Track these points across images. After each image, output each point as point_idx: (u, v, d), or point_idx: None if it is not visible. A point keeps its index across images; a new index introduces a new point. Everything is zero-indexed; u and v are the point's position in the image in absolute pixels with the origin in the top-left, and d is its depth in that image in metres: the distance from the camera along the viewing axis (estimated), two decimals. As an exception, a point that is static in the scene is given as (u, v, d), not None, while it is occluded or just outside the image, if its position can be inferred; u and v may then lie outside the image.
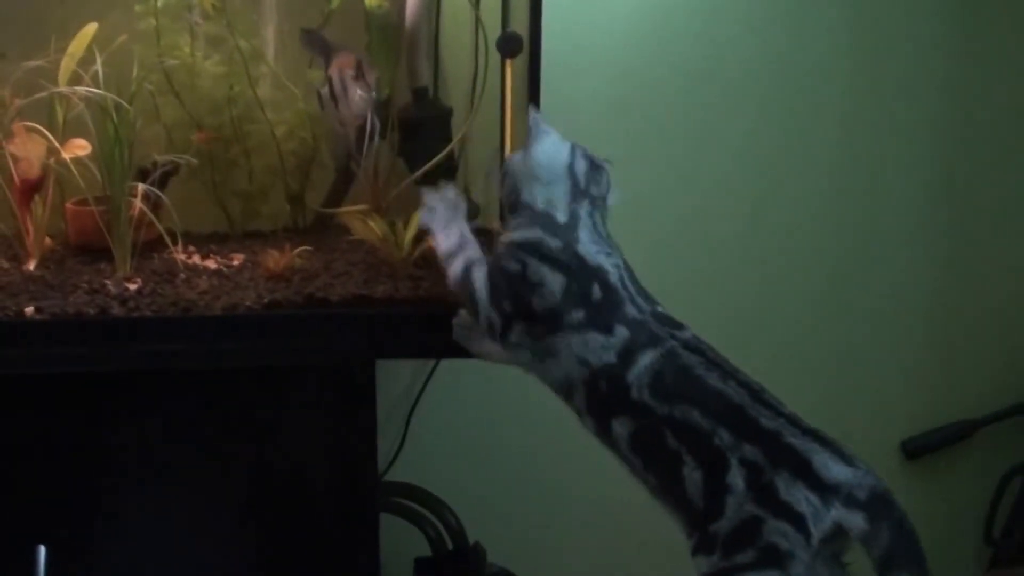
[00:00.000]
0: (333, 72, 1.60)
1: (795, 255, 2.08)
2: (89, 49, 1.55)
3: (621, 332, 1.33)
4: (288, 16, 1.74)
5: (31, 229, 1.60)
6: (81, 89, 1.51)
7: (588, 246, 1.37)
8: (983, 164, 2.09)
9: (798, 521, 1.23)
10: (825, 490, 1.23)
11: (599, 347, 1.33)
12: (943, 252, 2.12)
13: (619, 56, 1.96)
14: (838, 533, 1.23)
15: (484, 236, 1.81)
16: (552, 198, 1.38)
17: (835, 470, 1.24)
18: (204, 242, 1.72)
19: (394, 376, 1.96)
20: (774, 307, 2.09)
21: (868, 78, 2.03)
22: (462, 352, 1.49)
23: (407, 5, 1.70)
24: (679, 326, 1.37)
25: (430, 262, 1.61)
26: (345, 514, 1.60)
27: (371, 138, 1.61)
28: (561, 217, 1.38)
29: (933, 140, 2.07)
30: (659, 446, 1.30)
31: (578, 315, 1.34)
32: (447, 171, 1.74)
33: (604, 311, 1.34)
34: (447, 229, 1.44)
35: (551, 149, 1.40)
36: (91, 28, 1.57)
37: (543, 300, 1.35)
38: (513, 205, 1.42)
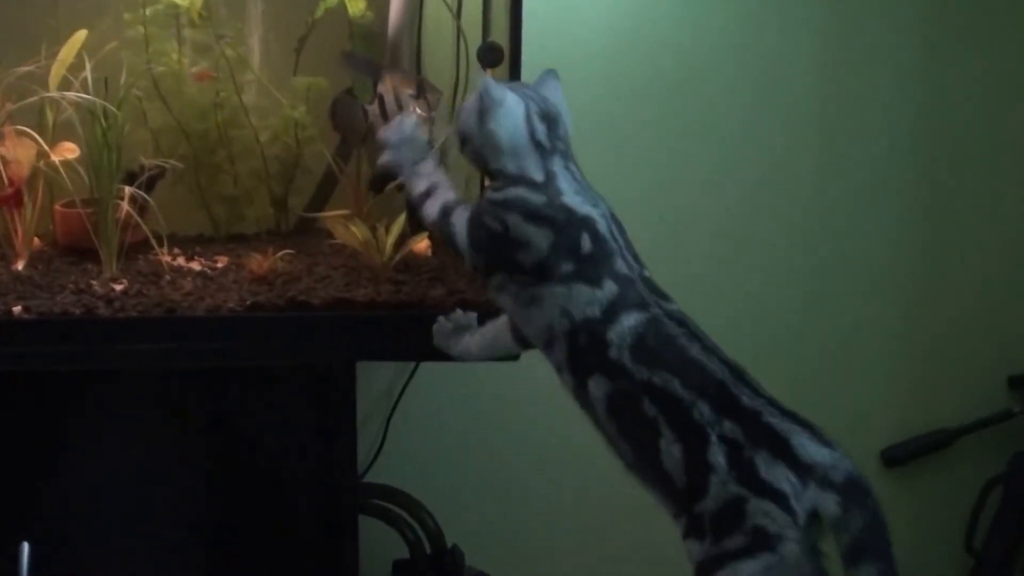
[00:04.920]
0: (385, 90, 1.60)
1: (775, 264, 2.08)
2: (79, 55, 1.56)
3: (609, 287, 1.30)
4: (273, 25, 1.75)
5: (20, 230, 1.61)
6: (71, 94, 1.52)
7: (572, 196, 1.33)
8: (961, 176, 2.10)
9: (782, 500, 1.20)
10: (803, 469, 1.21)
11: (584, 301, 1.29)
12: (922, 263, 2.12)
13: (598, 66, 1.96)
14: (814, 516, 1.21)
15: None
16: (522, 164, 1.35)
17: (812, 450, 1.21)
18: (189, 244, 1.72)
19: (374, 378, 1.96)
20: (755, 315, 2.09)
21: (847, 85, 2.04)
22: (442, 355, 1.48)
23: (390, 15, 1.71)
24: (665, 296, 1.34)
25: (411, 266, 1.63)
26: (324, 516, 1.61)
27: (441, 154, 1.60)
28: (538, 176, 1.34)
29: (912, 150, 2.08)
30: (636, 411, 1.27)
31: (567, 267, 1.30)
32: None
33: (593, 263, 1.31)
34: (415, 169, 1.41)
35: (508, 123, 1.34)
36: (81, 35, 1.57)
37: (529, 255, 1.31)
38: (483, 169, 1.39)
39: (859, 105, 2.05)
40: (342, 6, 1.68)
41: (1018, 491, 2.10)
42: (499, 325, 1.42)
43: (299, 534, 1.61)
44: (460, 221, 1.37)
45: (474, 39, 1.67)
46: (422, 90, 1.59)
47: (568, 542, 2.10)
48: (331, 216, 1.67)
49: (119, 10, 1.64)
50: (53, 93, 1.55)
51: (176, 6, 1.66)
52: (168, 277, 1.57)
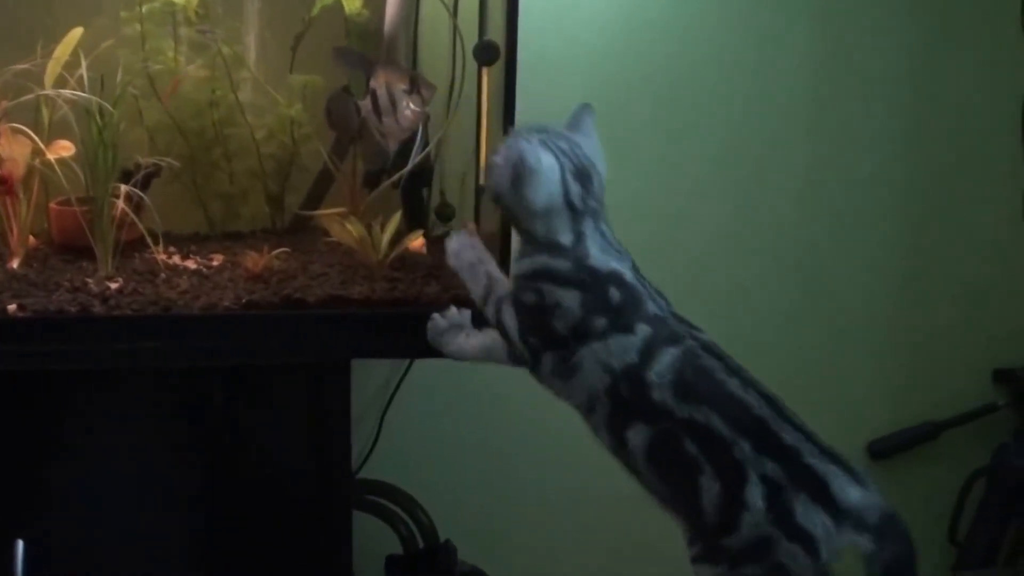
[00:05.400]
0: (378, 85, 1.59)
1: (764, 260, 2.10)
2: (75, 53, 1.55)
3: (643, 330, 1.31)
4: (269, 23, 1.75)
5: (15, 228, 1.60)
6: (67, 92, 1.52)
7: (598, 256, 1.34)
8: (948, 173, 2.12)
9: (810, 543, 1.23)
10: (840, 514, 1.23)
11: (621, 349, 1.30)
12: (910, 259, 2.14)
13: (594, 64, 1.97)
14: (842, 552, 1.24)
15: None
16: (552, 227, 1.35)
17: (850, 493, 1.24)
18: (185, 243, 1.72)
19: (369, 375, 1.96)
20: (745, 310, 2.11)
21: (837, 84, 2.06)
22: (436, 353, 1.49)
23: (386, 13, 1.71)
24: (697, 328, 1.35)
25: (406, 264, 1.64)
26: (318, 511, 1.62)
27: (422, 149, 1.62)
28: (566, 239, 1.35)
29: (901, 148, 2.10)
30: (677, 453, 1.27)
31: (600, 322, 1.31)
32: (423, 176, 1.77)
33: (625, 312, 1.32)
34: (474, 273, 1.43)
35: (543, 191, 1.33)
36: (77, 33, 1.57)
37: (565, 320, 1.33)
38: (514, 223, 1.40)
39: (849, 103, 2.07)
40: (338, 4, 1.68)
41: (1001, 483, 2.12)
42: (496, 336, 1.43)
43: (294, 530, 1.61)
44: (509, 313, 1.38)
45: (470, 37, 1.67)
46: (415, 85, 1.59)
47: (561, 537, 2.11)
48: (327, 214, 1.68)
49: (115, 8, 1.64)
50: (49, 91, 1.55)
51: (172, 4, 1.66)
52: (164, 275, 1.57)
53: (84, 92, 1.52)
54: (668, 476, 1.30)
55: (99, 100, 1.52)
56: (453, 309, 1.48)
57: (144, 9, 1.64)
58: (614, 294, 1.33)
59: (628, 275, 1.35)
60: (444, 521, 1.95)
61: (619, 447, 1.33)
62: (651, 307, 1.34)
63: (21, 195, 1.60)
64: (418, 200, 1.80)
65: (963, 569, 2.14)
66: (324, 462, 1.61)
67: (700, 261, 2.07)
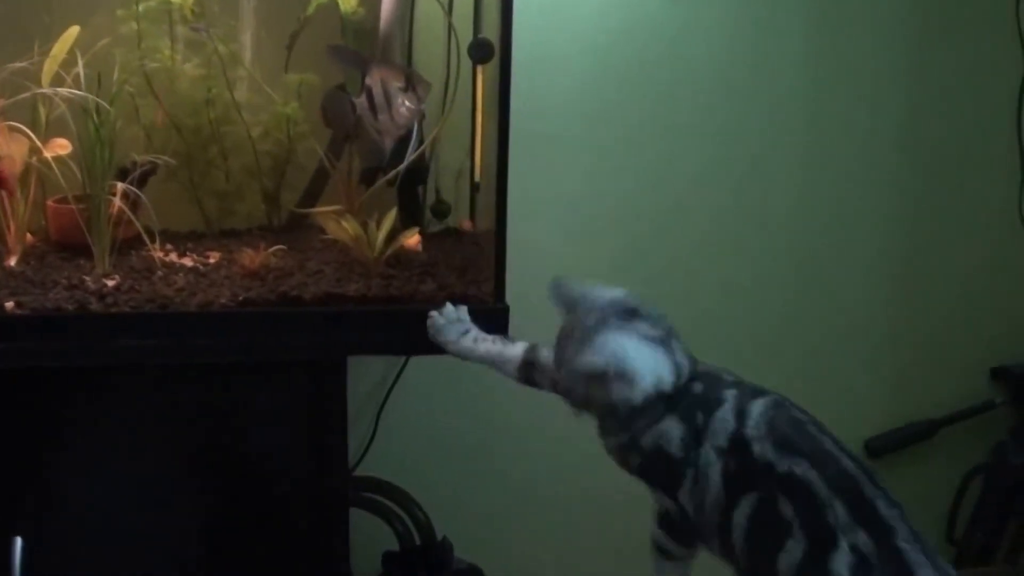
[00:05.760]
0: (374, 82, 1.60)
1: (763, 258, 2.10)
2: (71, 52, 1.56)
3: (730, 393, 1.30)
4: (265, 21, 1.75)
5: (12, 226, 1.61)
6: (63, 90, 1.53)
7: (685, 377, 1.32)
8: (945, 171, 2.13)
9: None
10: None
11: (721, 421, 1.28)
12: (908, 258, 2.15)
13: (588, 62, 1.97)
14: None
15: (454, 235, 1.85)
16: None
17: None
18: (181, 240, 1.73)
19: (365, 373, 1.97)
20: (743, 308, 2.11)
21: (834, 81, 2.06)
22: (432, 349, 1.50)
23: (381, 11, 1.72)
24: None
25: (401, 262, 1.64)
26: (316, 508, 1.62)
27: (418, 146, 1.62)
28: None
29: (898, 146, 2.10)
30: (772, 518, 1.22)
31: (700, 418, 1.29)
32: (418, 173, 1.78)
33: (710, 395, 1.30)
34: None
35: (645, 384, 1.30)
36: (73, 31, 1.58)
37: (676, 446, 1.31)
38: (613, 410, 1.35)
39: (846, 101, 2.07)
40: (334, 2, 1.69)
41: (998, 481, 2.13)
42: (509, 356, 1.45)
43: (291, 526, 1.62)
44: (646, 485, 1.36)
45: (465, 35, 1.68)
46: (411, 83, 1.60)
47: (556, 533, 2.11)
48: (322, 212, 1.68)
49: (112, 6, 1.65)
50: (46, 89, 1.55)
51: (168, 3, 1.66)
52: (160, 273, 1.58)
53: (81, 90, 1.52)
54: (759, 545, 1.24)
55: (96, 98, 1.52)
56: (450, 306, 1.49)
57: (140, 8, 1.65)
58: (697, 387, 1.32)
59: (694, 364, 1.34)
60: (440, 518, 1.96)
61: (723, 530, 1.27)
62: (725, 376, 1.34)
63: (18, 193, 1.61)
64: (413, 197, 1.80)
65: (961, 567, 2.14)
66: (321, 459, 1.62)
67: (696, 259, 2.08)
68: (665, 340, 1.34)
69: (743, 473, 1.25)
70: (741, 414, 1.28)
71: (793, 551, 1.20)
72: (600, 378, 1.30)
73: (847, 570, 1.17)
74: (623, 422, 1.33)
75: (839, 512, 1.19)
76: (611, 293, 1.38)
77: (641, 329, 1.33)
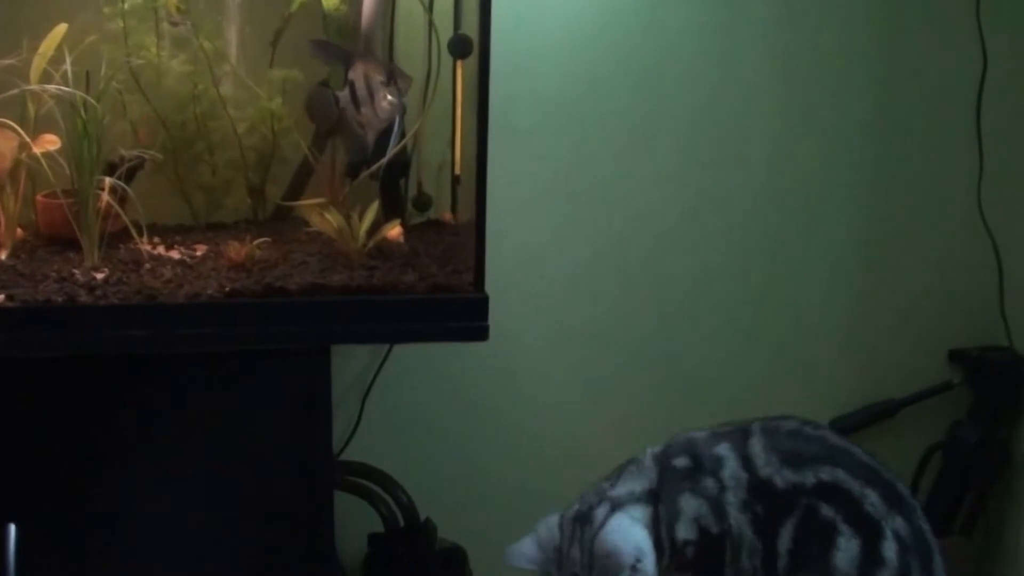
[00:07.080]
0: (356, 76, 1.60)
1: (731, 245, 2.11)
2: (59, 48, 1.56)
3: (724, 448, 1.29)
4: (249, 18, 1.75)
5: (3, 220, 1.61)
6: (51, 87, 1.53)
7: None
8: (908, 162, 2.14)
9: None
10: None
11: (732, 477, 1.27)
12: (872, 246, 2.16)
13: (566, 57, 1.97)
14: None
15: (436, 228, 1.88)
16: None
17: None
18: (168, 233, 1.73)
19: (350, 360, 1.97)
20: (712, 293, 2.13)
21: (802, 75, 2.07)
22: (412, 338, 1.51)
23: (363, 8, 1.72)
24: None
25: (384, 253, 1.66)
26: (301, 492, 1.63)
27: (400, 140, 1.63)
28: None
29: (863, 137, 2.11)
30: (819, 528, 1.22)
31: (710, 484, 1.30)
32: (400, 166, 1.79)
33: (706, 457, 1.30)
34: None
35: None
36: (61, 28, 1.58)
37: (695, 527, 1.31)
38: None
39: (813, 90, 2.08)
40: (317, 0, 1.69)
41: (956, 457, 2.16)
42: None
43: (278, 510, 1.63)
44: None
45: (445, 31, 1.70)
46: (392, 77, 1.60)
47: (537, 514, 2.07)
48: (307, 204, 1.69)
49: (99, 4, 1.64)
50: (34, 86, 1.55)
51: (154, 0, 1.66)
52: (148, 265, 1.59)
53: (69, 87, 1.53)
54: (807, 559, 1.24)
55: (83, 95, 1.53)
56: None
57: (126, 5, 1.65)
58: (684, 463, 1.31)
59: (657, 448, 1.34)
60: (424, 500, 1.96)
61: (766, 566, 1.27)
62: (707, 431, 1.34)
63: (8, 188, 1.61)
64: (395, 190, 1.82)
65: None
66: (307, 445, 1.62)
67: (666, 246, 2.09)
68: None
69: (775, 507, 1.25)
70: (745, 459, 1.28)
71: (848, 549, 1.21)
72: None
73: (895, 556, 1.21)
74: None
75: (875, 501, 1.22)
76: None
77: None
